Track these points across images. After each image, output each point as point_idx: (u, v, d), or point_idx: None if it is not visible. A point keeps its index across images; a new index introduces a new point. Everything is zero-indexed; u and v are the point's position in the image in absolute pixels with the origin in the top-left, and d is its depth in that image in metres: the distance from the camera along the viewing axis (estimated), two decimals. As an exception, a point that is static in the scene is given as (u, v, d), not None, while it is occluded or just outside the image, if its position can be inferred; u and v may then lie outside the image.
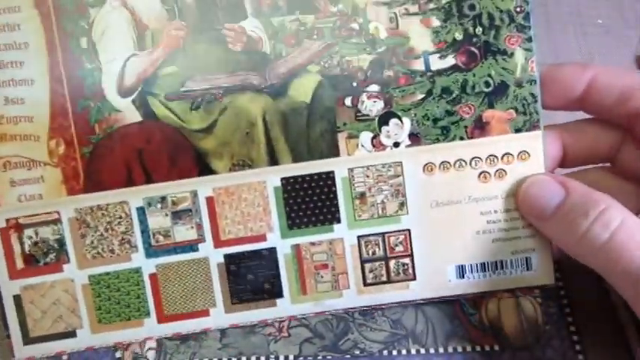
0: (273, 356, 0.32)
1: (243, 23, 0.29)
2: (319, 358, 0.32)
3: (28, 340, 0.30)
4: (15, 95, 0.29)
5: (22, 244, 0.30)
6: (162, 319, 0.31)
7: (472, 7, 0.29)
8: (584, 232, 0.27)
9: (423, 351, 0.32)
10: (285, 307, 0.31)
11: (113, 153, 0.30)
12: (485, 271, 0.31)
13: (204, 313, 0.31)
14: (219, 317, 0.31)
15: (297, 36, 0.30)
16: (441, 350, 0.32)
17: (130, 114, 0.29)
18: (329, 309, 0.31)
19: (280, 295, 0.31)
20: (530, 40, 0.30)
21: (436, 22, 0.30)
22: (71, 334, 0.31)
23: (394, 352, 0.31)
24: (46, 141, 0.29)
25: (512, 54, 0.30)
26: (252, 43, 0.30)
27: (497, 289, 0.31)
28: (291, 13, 0.29)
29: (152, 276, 0.31)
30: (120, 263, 0.30)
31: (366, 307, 0.31)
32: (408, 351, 0.32)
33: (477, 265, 0.31)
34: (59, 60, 0.29)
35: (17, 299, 0.30)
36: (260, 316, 0.31)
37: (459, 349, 0.32)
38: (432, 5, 0.30)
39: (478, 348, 0.32)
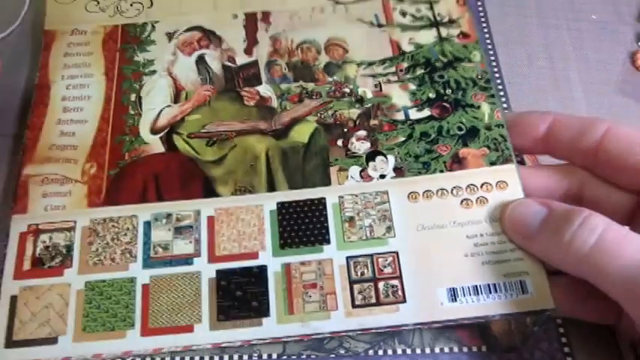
0: (256, 355, 0.29)
1: (257, 87, 0.37)
2: (303, 357, 0.29)
3: (9, 343, 0.30)
4: (68, 130, 0.36)
5: (35, 247, 0.32)
6: (145, 331, 0.30)
7: (441, 77, 0.37)
8: (569, 239, 0.27)
9: (409, 351, 0.29)
10: (270, 328, 0.30)
11: (134, 174, 0.34)
12: (478, 294, 0.30)
13: (189, 328, 0.30)
14: (203, 334, 0.30)
15: (299, 96, 0.37)
16: (427, 351, 0.29)
17: (155, 146, 0.35)
18: (315, 332, 0.30)
19: (267, 313, 0.30)
20: (493, 96, 0.35)
21: (413, 87, 0.36)
22: (52, 340, 0.30)
23: (380, 352, 0.29)
24: (83, 164, 0.35)
25: (479, 107, 0.35)
26: (263, 101, 0.37)
27: (494, 313, 0.30)
28: (296, 81, 0.37)
29: (145, 286, 0.31)
30: (117, 272, 0.32)
31: (354, 331, 0.30)
32: (394, 351, 0.29)
33: (469, 287, 0.30)
34: (111, 108, 0.36)
35: (13, 300, 0.31)
36: (244, 336, 0.30)
37: (446, 350, 0.29)
38: (409, 76, 0.37)
39: (465, 349, 0.29)
